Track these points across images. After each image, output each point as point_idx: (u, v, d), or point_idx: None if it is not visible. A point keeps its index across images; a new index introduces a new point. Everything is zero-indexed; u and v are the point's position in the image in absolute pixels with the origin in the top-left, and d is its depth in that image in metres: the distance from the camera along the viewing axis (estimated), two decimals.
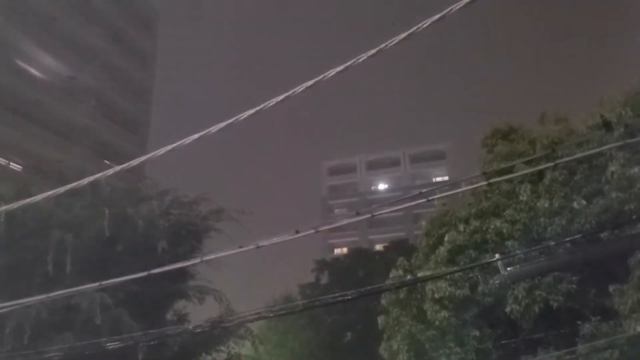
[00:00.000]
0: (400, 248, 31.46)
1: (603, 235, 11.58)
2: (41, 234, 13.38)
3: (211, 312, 15.30)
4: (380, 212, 5.10)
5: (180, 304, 16.41)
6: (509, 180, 14.04)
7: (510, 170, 12.87)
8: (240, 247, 4.82)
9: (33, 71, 33.37)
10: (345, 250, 58.42)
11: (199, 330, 12.08)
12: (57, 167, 21.87)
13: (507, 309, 12.85)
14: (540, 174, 13.86)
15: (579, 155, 11.72)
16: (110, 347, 10.00)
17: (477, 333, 13.65)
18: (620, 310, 11.29)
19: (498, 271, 11.64)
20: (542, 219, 13.28)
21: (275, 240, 4.73)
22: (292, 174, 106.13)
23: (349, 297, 7.20)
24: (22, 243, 13.39)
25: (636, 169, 11.78)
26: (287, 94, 3.93)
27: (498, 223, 13.98)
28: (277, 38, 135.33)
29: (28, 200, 5.40)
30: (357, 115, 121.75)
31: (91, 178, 4.89)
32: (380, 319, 16.46)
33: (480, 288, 13.53)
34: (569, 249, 11.79)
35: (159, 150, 4.40)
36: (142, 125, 41.40)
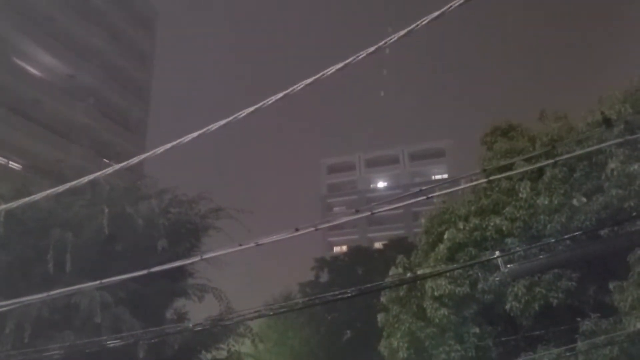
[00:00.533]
0: (400, 246, 31.52)
1: (603, 232, 11.59)
2: (41, 232, 13.38)
3: (211, 311, 15.30)
4: (379, 210, 5.08)
5: (180, 303, 16.41)
6: (509, 178, 14.05)
7: (509, 167, 12.88)
8: (240, 245, 4.82)
9: (32, 70, 33.32)
10: (344, 248, 58.50)
11: (199, 329, 12.09)
12: (56, 166, 21.82)
13: (507, 306, 12.87)
14: (540, 171, 13.86)
15: (578, 152, 11.73)
16: (111, 345, 10.02)
17: (477, 330, 13.67)
18: (620, 307, 11.30)
19: (498, 268, 11.67)
20: (541, 216, 13.29)
21: (274, 238, 4.73)
22: (292, 172, 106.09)
23: (349, 295, 7.20)
24: (22, 242, 13.38)
25: (636, 166, 11.77)
26: (286, 92, 3.93)
27: (498, 220, 13.99)
28: (276, 37, 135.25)
29: (27, 199, 5.39)
30: (356, 113, 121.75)
31: (90, 177, 4.89)
32: (380, 317, 16.48)
33: (480, 285, 13.55)
34: (569, 246, 11.79)
35: (158, 149, 4.40)
36: (141, 124, 41.38)
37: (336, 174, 77.81)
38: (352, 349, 30.21)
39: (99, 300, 12.40)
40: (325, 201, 75.52)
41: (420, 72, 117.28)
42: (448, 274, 13.57)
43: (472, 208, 14.94)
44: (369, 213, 5.04)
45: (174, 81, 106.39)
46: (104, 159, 34.67)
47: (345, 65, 3.77)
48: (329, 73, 3.81)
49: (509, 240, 13.54)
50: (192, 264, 15.20)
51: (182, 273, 15.95)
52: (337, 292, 7.13)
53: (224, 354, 16.25)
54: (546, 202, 13.23)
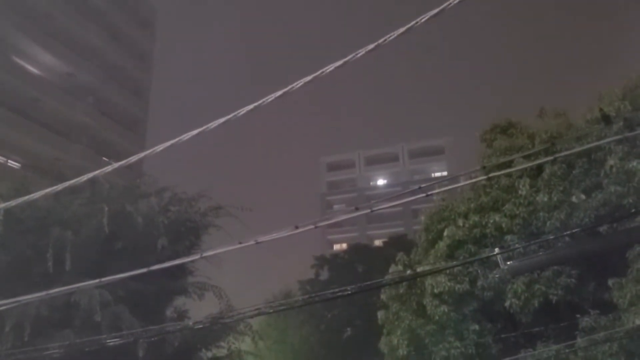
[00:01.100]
0: (400, 243, 31.48)
1: (602, 229, 11.59)
2: (40, 231, 13.37)
3: (211, 309, 15.31)
4: (379, 207, 5.07)
5: (179, 301, 16.41)
6: (508, 175, 14.05)
7: (509, 164, 12.86)
8: (240, 243, 4.81)
9: (31, 69, 33.32)
10: (344, 246, 58.42)
11: (199, 327, 12.07)
12: (55, 165, 21.87)
13: (507, 303, 12.88)
14: (539, 168, 13.86)
15: (577, 149, 11.73)
16: (111, 343, 10.01)
17: (477, 327, 13.69)
18: (619, 303, 11.33)
19: (497, 265, 11.65)
20: (541, 213, 13.30)
21: (274, 236, 4.72)
22: (291, 170, 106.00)
23: (349, 293, 7.19)
24: (21, 241, 13.38)
25: (635, 163, 11.78)
26: (285, 90, 3.93)
27: (497, 217, 14.00)
28: (276, 36, 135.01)
29: (26, 197, 5.38)
30: (355, 111, 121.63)
31: (89, 175, 4.89)
32: (380, 314, 16.49)
33: (479, 282, 13.56)
34: (568, 243, 11.80)
35: (157, 147, 4.39)
36: (140, 123, 41.39)
37: (336, 172, 77.76)
38: (352, 346, 30.22)
39: (99, 298, 12.40)
40: (325, 199, 75.47)
41: (420, 69, 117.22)
42: (448, 271, 13.58)
43: (472, 205, 14.95)
44: (368, 210, 5.02)
45: (174, 80, 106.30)
46: (104, 158, 34.67)
47: (345, 62, 3.77)
48: (328, 70, 3.81)
49: (508, 237, 13.55)
50: (191, 262, 15.21)
51: (181, 271, 15.95)
52: (337, 290, 7.11)
53: (224, 352, 16.27)
54: (545, 199, 13.24)
